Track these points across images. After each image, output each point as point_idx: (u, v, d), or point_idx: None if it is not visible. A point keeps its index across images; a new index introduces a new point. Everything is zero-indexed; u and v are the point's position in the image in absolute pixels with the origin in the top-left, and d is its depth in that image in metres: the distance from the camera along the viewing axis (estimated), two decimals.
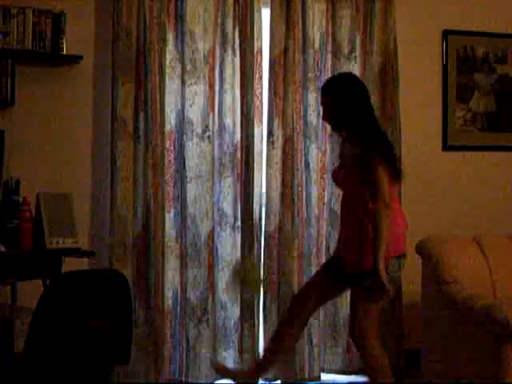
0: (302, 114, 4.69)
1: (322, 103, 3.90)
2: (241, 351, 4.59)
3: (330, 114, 3.86)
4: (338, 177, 3.91)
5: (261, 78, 4.68)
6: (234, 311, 4.62)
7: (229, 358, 4.65)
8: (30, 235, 3.96)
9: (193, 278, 4.54)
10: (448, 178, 5.15)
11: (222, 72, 4.61)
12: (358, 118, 3.78)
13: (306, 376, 4.68)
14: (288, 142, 4.65)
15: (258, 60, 4.67)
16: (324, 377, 4.77)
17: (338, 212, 4.75)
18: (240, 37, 4.62)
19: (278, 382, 4.66)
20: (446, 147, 5.19)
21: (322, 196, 4.78)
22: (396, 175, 3.80)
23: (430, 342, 4.27)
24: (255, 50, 4.64)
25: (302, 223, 4.66)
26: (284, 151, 4.66)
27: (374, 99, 4.83)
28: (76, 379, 2.90)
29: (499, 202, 5.23)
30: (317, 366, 4.70)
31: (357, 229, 3.73)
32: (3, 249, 3.86)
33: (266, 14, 4.71)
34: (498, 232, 4.69)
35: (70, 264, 3.95)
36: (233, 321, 4.62)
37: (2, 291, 4.19)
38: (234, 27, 4.63)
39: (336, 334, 4.79)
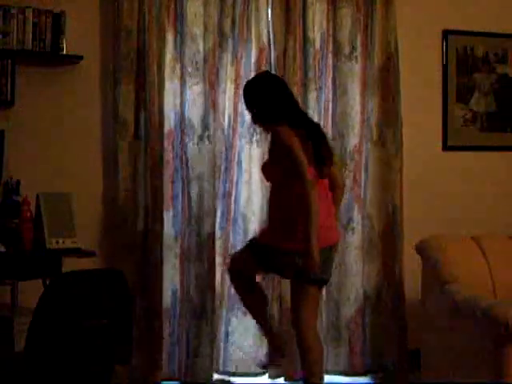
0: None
1: (246, 107, 4.02)
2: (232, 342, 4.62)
3: (252, 115, 3.95)
4: (262, 168, 3.99)
5: None
6: (226, 304, 4.62)
7: (220, 350, 4.67)
8: (30, 235, 3.96)
9: (193, 277, 4.54)
10: (448, 178, 5.15)
11: (222, 72, 4.60)
12: (274, 110, 3.86)
13: None
14: None
15: (261, 59, 4.67)
16: (327, 378, 4.77)
17: (339, 211, 4.78)
18: (241, 37, 4.62)
19: (282, 379, 4.67)
20: (446, 147, 5.19)
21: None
22: (318, 159, 3.78)
23: (430, 342, 4.27)
24: (256, 49, 4.64)
25: None
26: None
27: (375, 99, 4.85)
28: (76, 379, 2.91)
29: (499, 202, 5.23)
30: None
31: (280, 211, 3.78)
32: (3, 249, 3.86)
33: (265, 14, 4.71)
34: (498, 232, 4.69)
35: (69, 264, 3.96)
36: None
37: (2, 291, 4.19)
38: (233, 27, 4.62)
39: (338, 335, 4.78)
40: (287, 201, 3.76)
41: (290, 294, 3.90)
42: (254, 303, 4.04)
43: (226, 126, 4.63)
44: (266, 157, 4.03)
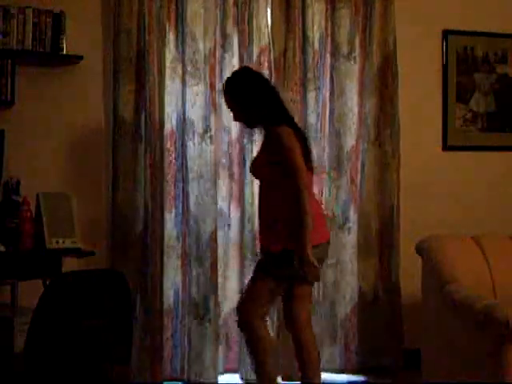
0: (301, 114, 4.69)
1: (227, 105, 3.94)
2: (242, 347, 4.60)
3: (235, 113, 3.90)
4: (253, 167, 3.92)
5: None
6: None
7: (232, 357, 4.68)
8: (30, 235, 3.96)
9: (195, 277, 4.54)
10: (448, 178, 5.15)
11: (223, 72, 4.60)
12: (260, 107, 3.80)
13: None
14: None
15: (261, 60, 4.67)
16: (322, 375, 4.77)
17: (336, 211, 4.79)
18: (241, 37, 4.62)
19: (279, 379, 4.67)
20: (446, 147, 5.19)
21: (320, 196, 4.79)
22: (307, 160, 3.78)
23: (430, 342, 4.27)
24: (259, 50, 4.65)
25: None
26: None
27: (374, 99, 4.85)
28: (76, 379, 2.90)
29: (499, 202, 5.23)
30: None
31: (271, 212, 3.74)
32: (3, 249, 3.86)
33: (266, 14, 4.71)
34: (498, 232, 4.69)
35: (69, 264, 3.96)
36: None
37: (2, 291, 4.19)
38: (234, 27, 4.63)
39: (334, 332, 4.80)
40: (286, 200, 3.71)
41: (284, 296, 3.85)
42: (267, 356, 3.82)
43: (228, 126, 4.63)
44: (259, 155, 3.93)
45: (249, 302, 3.80)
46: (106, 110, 4.50)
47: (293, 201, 3.64)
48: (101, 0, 4.53)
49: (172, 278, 4.55)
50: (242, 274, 4.63)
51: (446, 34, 5.16)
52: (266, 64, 4.68)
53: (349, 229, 4.82)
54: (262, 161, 3.83)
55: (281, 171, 3.71)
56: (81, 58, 4.40)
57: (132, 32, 4.43)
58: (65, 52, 4.34)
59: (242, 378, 4.64)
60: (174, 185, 4.57)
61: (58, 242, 3.96)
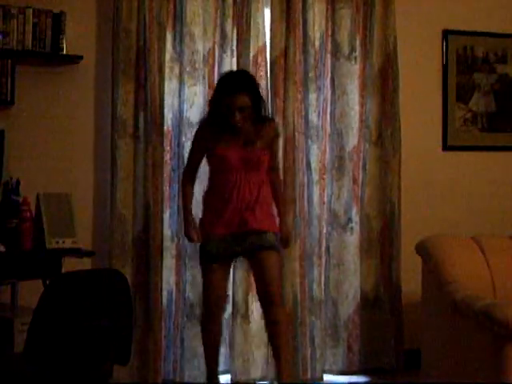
0: (302, 113, 4.69)
1: (241, 105, 4.01)
2: (232, 348, 4.60)
3: (248, 112, 4.04)
4: (251, 160, 4.09)
5: (261, 77, 4.68)
6: (228, 309, 4.60)
7: (220, 356, 4.67)
8: (30, 235, 3.96)
9: (191, 277, 4.53)
10: (448, 178, 5.16)
11: (221, 72, 4.60)
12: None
13: (309, 377, 4.67)
14: (289, 142, 4.65)
15: (259, 60, 4.67)
16: (325, 377, 4.77)
17: (338, 212, 4.78)
18: (240, 37, 4.61)
19: None
20: (446, 147, 5.19)
21: (322, 196, 4.79)
22: None
23: (430, 342, 4.27)
24: (256, 49, 4.64)
25: (303, 223, 4.66)
26: (285, 151, 4.65)
27: (375, 99, 4.85)
28: (76, 379, 2.90)
29: (499, 202, 5.23)
30: (319, 367, 4.70)
31: (267, 198, 4.19)
32: (3, 249, 3.86)
33: (266, 13, 4.71)
34: (498, 232, 4.69)
35: (69, 264, 3.96)
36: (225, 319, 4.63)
37: (2, 291, 4.19)
38: (233, 27, 4.63)
39: (336, 334, 4.79)
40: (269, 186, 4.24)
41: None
42: (214, 342, 4.22)
43: None
44: (255, 147, 4.11)
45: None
46: (106, 109, 4.50)
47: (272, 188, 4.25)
48: (100, 0, 4.52)
49: (166, 279, 4.51)
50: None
51: (446, 33, 5.16)
52: (263, 63, 4.67)
53: (351, 229, 4.81)
54: (262, 153, 4.12)
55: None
56: (81, 57, 4.39)
57: (131, 32, 4.42)
58: (65, 52, 4.34)
59: (231, 379, 4.63)
60: (169, 185, 4.56)
61: (58, 242, 3.96)
